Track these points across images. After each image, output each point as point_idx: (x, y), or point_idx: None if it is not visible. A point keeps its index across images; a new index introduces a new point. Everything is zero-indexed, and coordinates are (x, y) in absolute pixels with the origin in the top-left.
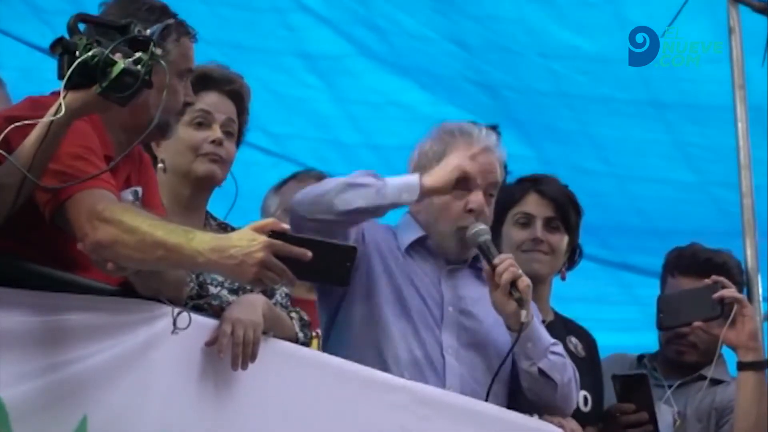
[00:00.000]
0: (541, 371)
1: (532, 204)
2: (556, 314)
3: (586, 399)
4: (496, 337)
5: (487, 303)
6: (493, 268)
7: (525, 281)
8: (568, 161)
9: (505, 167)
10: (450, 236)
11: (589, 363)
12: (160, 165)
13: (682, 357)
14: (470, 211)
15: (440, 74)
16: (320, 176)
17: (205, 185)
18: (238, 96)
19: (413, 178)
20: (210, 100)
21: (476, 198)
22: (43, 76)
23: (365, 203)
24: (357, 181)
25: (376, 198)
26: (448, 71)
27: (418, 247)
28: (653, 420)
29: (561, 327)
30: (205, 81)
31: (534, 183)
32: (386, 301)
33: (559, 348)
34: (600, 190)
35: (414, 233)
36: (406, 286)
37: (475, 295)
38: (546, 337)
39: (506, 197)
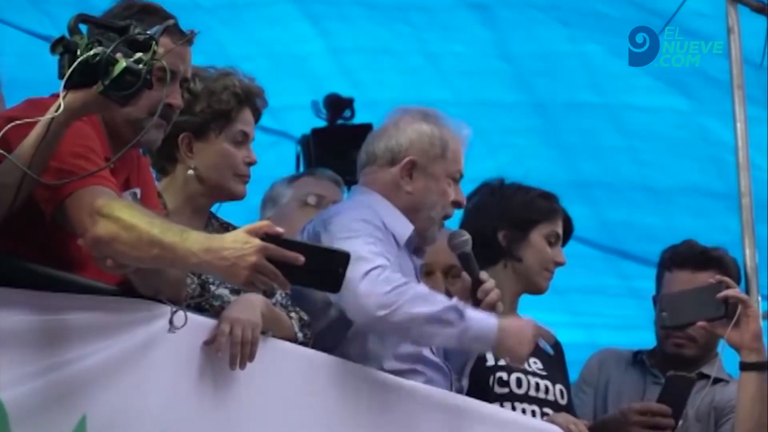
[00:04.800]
0: (461, 390)
1: (560, 227)
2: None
3: (562, 392)
4: None
5: None
6: (477, 282)
7: (501, 306)
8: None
9: None
10: (435, 222)
11: (557, 359)
12: (190, 171)
13: (681, 350)
14: (457, 203)
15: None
16: (334, 178)
17: (227, 200)
18: (260, 114)
19: (490, 331)
20: (248, 118)
21: (461, 193)
22: (42, 62)
23: (442, 343)
24: (443, 316)
25: (454, 343)
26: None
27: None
28: (676, 425)
29: None
30: (248, 97)
31: (558, 202)
32: None
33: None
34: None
35: (407, 227)
36: None
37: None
38: None
39: (538, 210)
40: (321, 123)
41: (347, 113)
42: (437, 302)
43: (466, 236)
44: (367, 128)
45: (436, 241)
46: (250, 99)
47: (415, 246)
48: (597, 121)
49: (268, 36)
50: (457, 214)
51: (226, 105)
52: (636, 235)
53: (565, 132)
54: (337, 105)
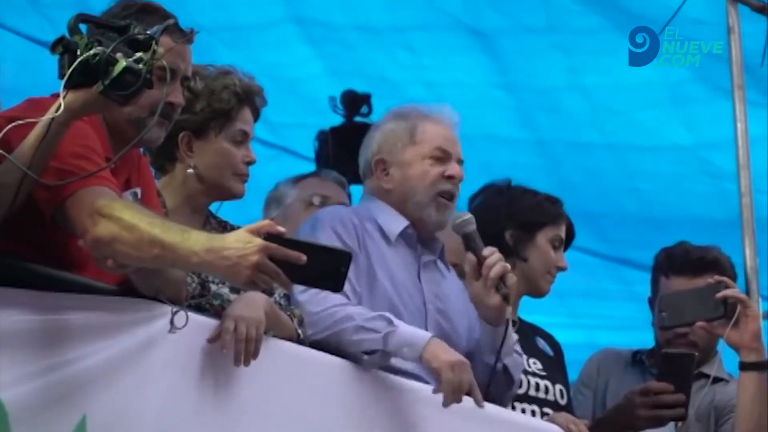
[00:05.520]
0: (505, 368)
1: (564, 232)
2: (520, 319)
3: (561, 392)
4: (463, 334)
5: (455, 298)
6: (480, 259)
7: (513, 278)
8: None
9: None
10: (428, 204)
11: (556, 360)
12: (190, 170)
13: None
14: (449, 177)
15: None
16: (339, 179)
17: (227, 199)
18: (258, 112)
19: (421, 339)
20: (247, 117)
21: (454, 167)
22: (41, 68)
23: (370, 347)
24: (369, 325)
25: (380, 345)
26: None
27: (399, 237)
28: (686, 403)
29: (528, 329)
30: (248, 96)
31: (563, 208)
32: (388, 298)
33: (519, 348)
34: (599, 170)
35: (399, 222)
36: (394, 282)
37: (446, 290)
38: (513, 334)
39: (545, 213)
40: (321, 127)
41: (364, 109)
42: (365, 315)
43: (467, 216)
44: None
45: (442, 225)
46: (250, 98)
47: (420, 237)
48: (599, 158)
49: (269, 58)
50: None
51: (226, 104)
52: (636, 245)
53: (568, 168)
54: (354, 101)
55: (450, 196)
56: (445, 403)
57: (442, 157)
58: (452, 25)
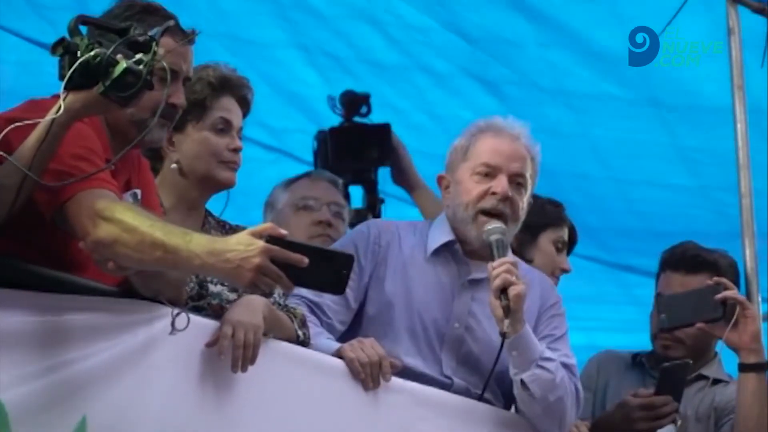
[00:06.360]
0: (522, 383)
1: (567, 235)
2: None
3: None
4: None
5: None
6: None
7: (515, 290)
8: (567, 164)
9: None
10: (469, 221)
11: None
12: (174, 165)
13: (667, 352)
14: (493, 194)
15: (440, 71)
16: (331, 178)
17: (218, 190)
18: (246, 102)
19: (330, 350)
20: (228, 105)
21: (500, 182)
22: (42, 71)
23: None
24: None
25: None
26: (448, 66)
27: (444, 251)
28: (678, 406)
29: None
30: (224, 85)
31: (565, 212)
32: (398, 312)
33: (552, 364)
34: (599, 193)
35: (443, 236)
36: (418, 296)
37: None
38: (536, 349)
39: (547, 215)
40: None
41: (363, 109)
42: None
43: (494, 226)
44: (384, 128)
45: (485, 240)
46: (228, 87)
47: (468, 254)
48: (601, 186)
49: (271, 72)
50: None
51: (199, 94)
52: (636, 251)
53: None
54: (353, 101)
55: (495, 213)
56: (365, 385)
57: (489, 172)
58: (458, 72)
